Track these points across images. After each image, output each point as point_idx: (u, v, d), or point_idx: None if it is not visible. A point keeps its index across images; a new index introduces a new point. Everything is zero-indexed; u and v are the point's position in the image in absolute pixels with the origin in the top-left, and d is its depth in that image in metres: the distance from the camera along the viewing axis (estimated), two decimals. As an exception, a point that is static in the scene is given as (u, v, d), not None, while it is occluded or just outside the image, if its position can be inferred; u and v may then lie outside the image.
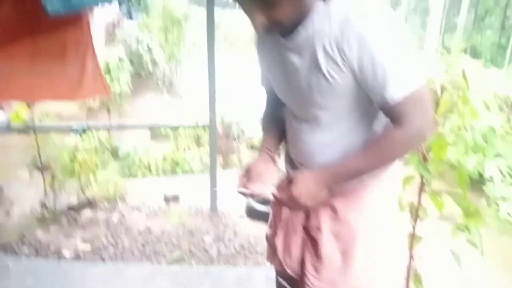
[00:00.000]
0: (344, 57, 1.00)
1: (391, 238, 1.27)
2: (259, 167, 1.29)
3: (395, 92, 0.99)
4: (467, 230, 1.68)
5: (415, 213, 1.78)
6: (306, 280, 1.27)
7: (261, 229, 3.16)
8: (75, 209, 3.40)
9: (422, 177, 1.73)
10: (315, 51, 1.05)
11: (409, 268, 1.86)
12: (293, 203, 1.14)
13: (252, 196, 1.28)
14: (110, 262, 2.61)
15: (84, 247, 2.84)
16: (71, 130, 3.25)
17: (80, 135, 3.63)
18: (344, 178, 1.12)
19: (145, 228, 3.15)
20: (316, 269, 1.24)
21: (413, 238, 1.83)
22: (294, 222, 1.30)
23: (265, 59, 1.24)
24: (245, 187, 1.27)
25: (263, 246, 2.92)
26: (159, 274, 2.40)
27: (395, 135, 1.05)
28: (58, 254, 2.74)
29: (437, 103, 1.57)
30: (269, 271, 2.46)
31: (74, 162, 3.46)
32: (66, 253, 2.75)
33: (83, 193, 3.52)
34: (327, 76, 1.05)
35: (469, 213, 1.67)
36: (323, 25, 1.02)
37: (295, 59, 1.11)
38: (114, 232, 3.08)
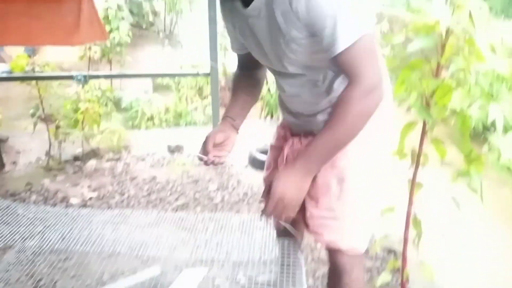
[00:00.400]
0: (296, 13, 1.02)
1: (383, 166, 1.34)
2: (218, 138, 1.34)
3: (341, 42, 1.01)
4: (468, 176, 1.70)
5: (416, 159, 1.80)
6: (306, 212, 1.33)
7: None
8: (80, 159, 3.45)
9: (424, 123, 1.74)
10: (274, 13, 1.06)
11: (408, 213, 1.90)
12: (281, 204, 1.13)
13: (212, 164, 1.35)
14: (116, 209, 2.67)
15: (91, 195, 2.90)
16: (72, 79, 3.22)
17: (82, 86, 3.60)
18: (319, 158, 1.12)
19: (150, 177, 3.20)
20: (315, 199, 1.29)
21: (413, 184, 1.86)
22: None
23: (235, 27, 1.25)
24: (205, 154, 1.32)
25: (266, 194, 2.99)
26: (164, 219, 2.46)
27: (350, 94, 1.05)
28: (66, 202, 2.81)
29: (442, 47, 1.54)
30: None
31: (77, 113, 3.46)
32: (74, 200, 2.82)
33: (88, 143, 3.55)
34: (289, 35, 1.07)
35: (471, 158, 1.69)
36: None
37: (259, 24, 1.13)
38: (119, 181, 3.14)
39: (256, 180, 3.17)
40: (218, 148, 1.34)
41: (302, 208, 1.37)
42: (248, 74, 1.42)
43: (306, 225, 1.35)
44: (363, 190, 1.29)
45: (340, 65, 1.07)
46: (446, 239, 2.50)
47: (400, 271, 2.01)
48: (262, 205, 2.81)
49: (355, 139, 1.20)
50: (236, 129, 1.38)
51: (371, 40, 1.04)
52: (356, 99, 1.04)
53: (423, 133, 1.76)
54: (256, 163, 3.42)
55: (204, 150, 1.33)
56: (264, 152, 3.41)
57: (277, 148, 1.47)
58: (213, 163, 1.34)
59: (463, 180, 1.75)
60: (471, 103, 1.60)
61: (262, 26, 1.13)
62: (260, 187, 3.09)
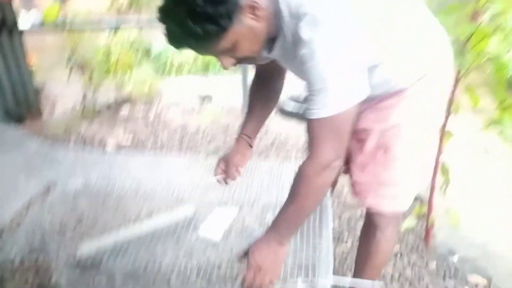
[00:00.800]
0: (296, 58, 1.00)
1: (430, 136, 1.32)
2: (236, 159, 1.43)
3: (314, 111, 0.99)
4: (500, 124, 1.69)
5: (448, 107, 1.79)
6: (351, 175, 1.36)
7: (291, 127, 3.25)
8: (114, 106, 3.56)
9: (458, 70, 1.71)
10: (287, 55, 1.07)
11: (437, 161, 1.92)
12: (258, 276, 1.13)
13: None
14: (151, 153, 2.79)
15: (126, 140, 3.02)
16: (104, 27, 3.26)
17: (113, 34, 3.64)
18: (287, 230, 1.15)
19: (181, 124, 3.29)
20: (361, 165, 1.31)
21: (443, 132, 1.86)
22: None
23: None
24: (223, 174, 1.44)
25: (292, 142, 3.04)
26: (197, 164, 2.56)
27: (306, 171, 1.06)
28: (103, 147, 2.94)
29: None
30: (297, 165, 2.58)
31: (109, 61, 3.53)
32: (110, 145, 2.95)
33: (120, 91, 3.64)
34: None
35: (505, 106, 1.67)
36: (288, 36, 1.02)
37: (282, 61, 1.18)
38: (152, 127, 3.24)
39: (284, 128, 3.22)
40: (235, 170, 1.45)
41: (346, 169, 1.38)
42: (266, 85, 1.40)
43: (351, 188, 1.39)
44: (410, 159, 1.27)
45: (306, 129, 1.06)
46: (474, 187, 2.51)
47: (426, 217, 2.05)
48: (288, 153, 2.86)
49: (406, 112, 1.21)
50: (251, 145, 1.44)
51: (346, 118, 1.00)
52: (311, 176, 1.05)
53: (456, 80, 1.74)
54: (284, 112, 3.45)
55: (223, 168, 1.44)
56: (293, 100, 3.43)
57: None
58: (234, 179, 1.46)
59: (494, 129, 1.75)
60: (509, 49, 1.57)
61: (285, 63, 1.18)
62: (287, 135, 3.14)
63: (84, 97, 3.52)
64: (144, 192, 2.23)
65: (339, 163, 1.05)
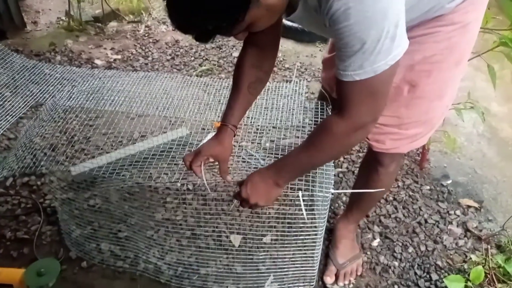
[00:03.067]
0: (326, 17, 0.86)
1: (459, 71, 1.20)
2: (216, 151, 1.21)
3: (349, 73, 0.86)
4: (509, 45, 1.61)
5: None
6: None
7: (290, 46, 3.12)
8: (101, 20, 3.36)
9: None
10: (309, 16, 0.96)
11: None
12: (246, 203, 1.11)
13: None
14: (142, 71, 2.68)
15: (115, 57, 2.88)
16: None
17: None
18: (290, 174, 1.08)
19: (172, 40, 3.13)
20: None
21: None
22: None
23: None
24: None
25: (290, 62, 2.93)
26: (189, 83, 2.48)
27: (337, 128, 0.95)
28: (91, 63, 2.81)
29: None
30: (295, 86, 2.51)
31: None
32: (98, 62, 2.82)
33: (107, 4, 3.41)
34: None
35: (517, 26, 1.59)
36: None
37: (301, 24, 1.10)
38: (142, 44, 3.08)
39: (281, 47, 3.08)
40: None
41: None
42: (258, 64, 1.20)
43: None
44: (436, 96, 1.18)
45: (337, 88, 0.93)
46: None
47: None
48: (286, 73, 2.76)
49: (435, 42, 1.10)
50: (235, 134, 1.24)
51: (386, 78, 0.88)
52: (339, 135, 0.96)
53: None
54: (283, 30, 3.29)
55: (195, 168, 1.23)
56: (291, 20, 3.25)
57: None
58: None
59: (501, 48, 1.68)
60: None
61: (306, 26, 1.09)
62: (285, 54, 3.03)
63: (69, 9, 3.30)
64: (136, 113, 2.17)
65: (374, 124, 0.97)
